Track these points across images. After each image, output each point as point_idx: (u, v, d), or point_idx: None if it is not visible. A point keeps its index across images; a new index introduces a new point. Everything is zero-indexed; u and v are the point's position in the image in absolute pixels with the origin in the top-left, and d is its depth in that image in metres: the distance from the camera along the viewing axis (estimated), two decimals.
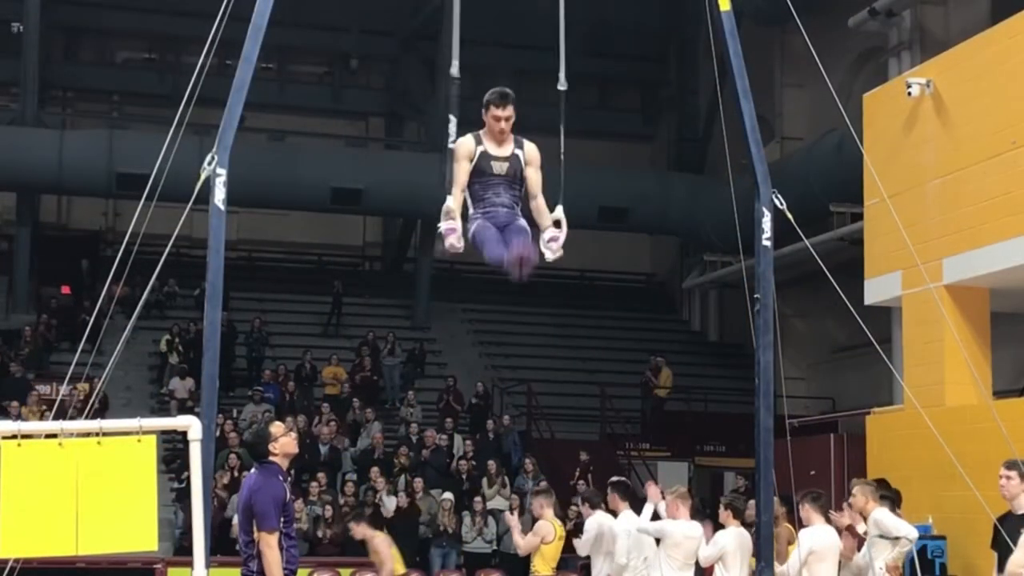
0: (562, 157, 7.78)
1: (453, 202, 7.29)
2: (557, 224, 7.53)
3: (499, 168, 7.32)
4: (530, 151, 7.44)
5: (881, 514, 10.28)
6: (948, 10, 20.91)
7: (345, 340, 26.44)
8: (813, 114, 25.25)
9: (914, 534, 10.38)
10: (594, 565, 11.52)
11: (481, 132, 7.33)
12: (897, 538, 10.22)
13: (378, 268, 31.26)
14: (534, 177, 7.47)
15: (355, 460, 20.67)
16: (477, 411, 23.21)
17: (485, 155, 7.30)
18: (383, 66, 31.26)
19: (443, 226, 7.26)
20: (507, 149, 7.35)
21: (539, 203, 7.52)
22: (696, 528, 10.94)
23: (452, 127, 7.57)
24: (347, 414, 22.15)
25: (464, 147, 7.33)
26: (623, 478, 12.97)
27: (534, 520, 12.05)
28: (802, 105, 26.57)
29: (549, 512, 11.71)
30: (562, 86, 8.00)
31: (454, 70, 7.96)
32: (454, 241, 7.24)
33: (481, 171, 7.31)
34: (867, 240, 15.56)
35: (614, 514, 11.48)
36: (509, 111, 7.29)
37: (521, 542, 11.66)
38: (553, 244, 7.45)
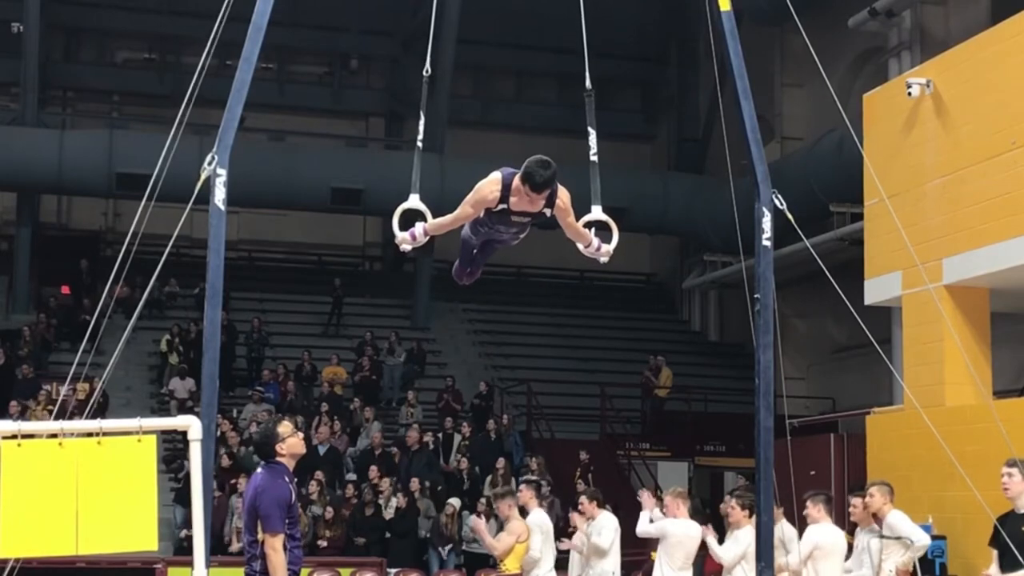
0: (595, 158, 7.66)
1: (430, 224, 6.96)
2: (590, 225, 7.38)
3: (519, 219, 6.88)
4: (560, 205, 6.86)
5: (896, 517, 10.27)
6: (948, 10, 20.91)
7: (345, 340, 26.45)
8: (813, 114, 25.25)
9: (926, 540, 10.35)
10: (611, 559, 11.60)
11: (514, 181, 6.70)
12: (898, 538, 10.21)
13: (378, 268, 31.26)
14: (572, 224, 7.08)
15: (355, 460, 20.68)
16: (478, 411, 23.21)
17: (506, 212, 6.78)
18: (383, 66, 31.26)
19: (400, 235, 7.03)
20: (538, 205, 6.77)
21: (580, 234, 7.25)
22: (696, 528, 10.94)
23: (421, 125, 7.40)
24: (347, 414, 22.16)
25: (485, 195, 6.75)
26: (536, 478, 13.32)
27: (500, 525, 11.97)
28: (802, 105, 26.58)
29: (516, 512, 11.67)
30: (588, 87, 7.82)
31: (426, 69, 7.70)
32: (406, 247, 7.12)
33: (495, 219, 6.86)
34: (867, 240, 15.57)
35: (524, 511, 11.62)
36: (544, 196, 6.70)
37: (496, 544, 11.64)
38: (604, 248, 7.35)
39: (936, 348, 13.95)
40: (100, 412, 16.32)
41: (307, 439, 19.97)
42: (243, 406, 22.02)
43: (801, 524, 10.38)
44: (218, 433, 17.58)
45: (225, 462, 18.43)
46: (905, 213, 13.44)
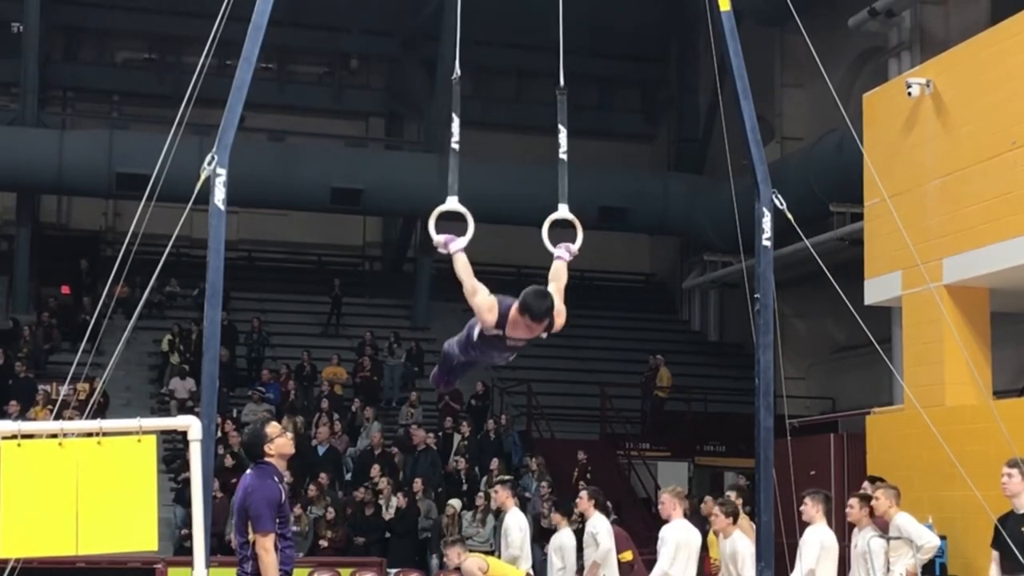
0: (564, 156, 7.57)
1: (462, 259, 6.80)
2: (556, 224, 7.37)
3: (514, 344, 6.86)
4: (558, 322, 6.86)
5: (904, 519, 10.25)
6: (948, 10, 20.91)
7: (345, 340, 26.45)
8: (813, 114, 25.26)
9: (935, 542, 10.33)
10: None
11: (511, 312, 6.63)
12: (899, 538, 10.20)
13: (378, 268, 31.26)
14: (561, 291, 7.03)
15: (355, 460, 20.67)
16: (475, 411, 23.21)
17: (501, 338, 6.73)
18: (383, 66, 31.27)
19: (436, 238, 6.88)
20: (533, 334, 6.80)
21: (562, 282, 7.16)
22: (693, 529, 10.94)
23: (455, 127, 7.28)
24: (347, 414, 22.16)
25: (484, 314, 6.66)
26: (510, 477, 13.32)
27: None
28: (802, 105, 26.58)
29: (466, 554, 11.37)
30: (561, 84, 7.71)
31: (455, 73, 7.51)
32: (447, 249, 6.90)
33: (488, 344, 6.82)
34: (867, 240, 15.56)
35: (500, 511, 11.60)
36: (544, 325, 6.68)
37: None
38: (571, 248, 7.24)
39: (936, 348, 13.94)
40: (100, 412, 16.33)
41: (307, 439, 20.02)
42: (243, 406, 22.01)
43: (801, 525, 10.36)
44: (219, 434, 17.61)
45: (228, 462, 18.41)
46: (905, 213, 13.43)
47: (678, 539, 10.65)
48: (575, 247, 7.30)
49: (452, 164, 7.24)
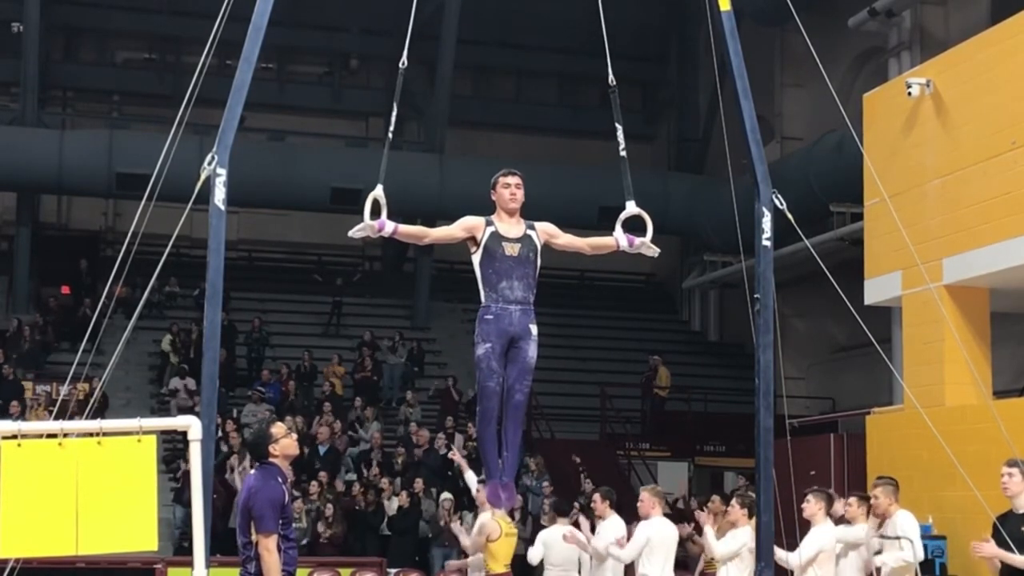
0: (624, 153, 7.99)
1: (405, 228, 7.24)
2: (628, 222, 7.59)
3: (511, 250, 7.21)
4: (543, 228, 7.40)
5: (903, 518, 10.25)
6: (948, 10, 20.93)
7: (345, 340, 26.46)
8: (813, 114, 25.27)
9: (920, 557, 10.32)
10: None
11: (492, 216, 7.25)
12: (897, 538, 10.19)
13: (378, 268, 31.27)
14: (573, 240, 7.55)
15: (355, 460, 20.67)
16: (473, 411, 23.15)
17: (496, 236, 7.18)
18: (383, 66, 31.24)
19: (368, 222, 7.07)
20: (519, 229, 7.26)
21: (596, 244, 7.67)
22: (672, 527, 10.95)
23: (392, 117, 7.73)
24: (347, 414, 22.16)
25: (471, 219, 7.24)
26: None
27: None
28: (802, 105, 26.59)
29: (490, 511, 11.19)
30: (611, 83, 8.07)
31: (402, 63, 7.83)
32: (359, 234, 7.16)
33: (492, 254, 7.18)
34: (867, 240, 15.56)
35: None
36: (517, 179, 7.25)
37: (467, 542, 11.59)
38: (638, 241, 7.60)
39: (936, 348, 13.94)
40: (100, 412, 16.32)
41: (308, 439, 20.01)
42: (243, 406, 22.02)
43: (802, 524, 10.36)
44: (219, 434, 17.61)
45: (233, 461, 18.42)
46: (905, 213, 13.42)
47: (651, 535, 10.62)
48: (646, 239, 7.65)
49: (385, 153, 7.58)
